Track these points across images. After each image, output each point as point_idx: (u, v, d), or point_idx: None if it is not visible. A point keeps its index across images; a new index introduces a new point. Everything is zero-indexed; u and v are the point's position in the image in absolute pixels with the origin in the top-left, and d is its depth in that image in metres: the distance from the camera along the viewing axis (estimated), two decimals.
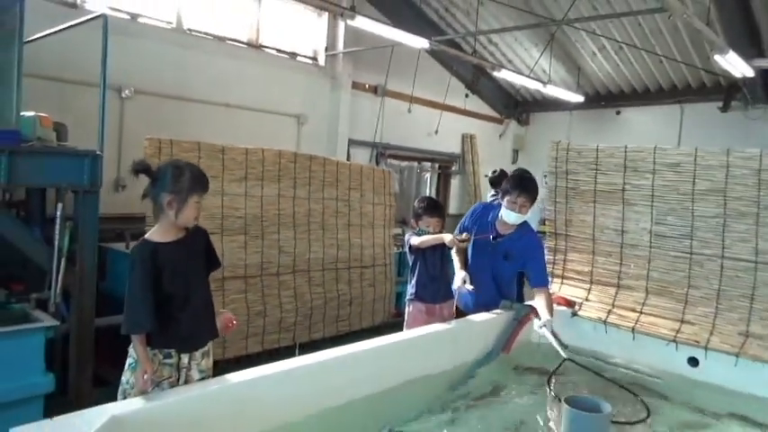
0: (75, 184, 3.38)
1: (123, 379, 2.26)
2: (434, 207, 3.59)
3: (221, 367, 2.65)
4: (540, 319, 3.23)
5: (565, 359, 2.96)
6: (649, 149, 3.64)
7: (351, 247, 5.37)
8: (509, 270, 3.57)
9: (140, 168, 2.20)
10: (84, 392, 3.55)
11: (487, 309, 3.50)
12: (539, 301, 3.32)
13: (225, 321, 2.45)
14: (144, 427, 1.91)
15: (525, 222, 3.47)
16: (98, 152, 3.46)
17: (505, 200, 3.35)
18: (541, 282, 3.44)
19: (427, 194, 8.22)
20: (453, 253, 3.59)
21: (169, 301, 2.21)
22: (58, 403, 3.16)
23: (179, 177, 2.23)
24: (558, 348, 3.02)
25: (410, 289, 3.58)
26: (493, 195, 5.10)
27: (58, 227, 3.30)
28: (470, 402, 2.86)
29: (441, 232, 3.51)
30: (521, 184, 3.32)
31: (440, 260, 3.53)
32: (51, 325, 3.27)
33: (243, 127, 6.57)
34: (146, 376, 2.13)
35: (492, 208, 3.63)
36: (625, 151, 3.73)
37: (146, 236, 2.28)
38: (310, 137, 7.60)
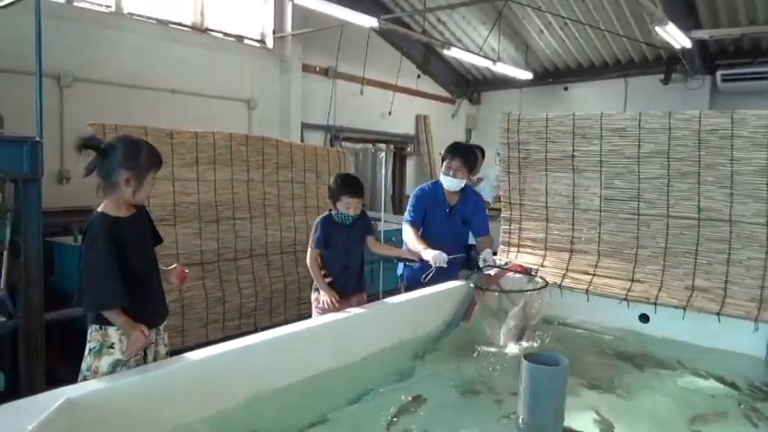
0: (14, 172, 3.24)
1: (84, 366, 2.18)
2: (356, 184, 3.21)
3: (179, 352, 2.59)
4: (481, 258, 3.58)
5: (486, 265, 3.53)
6: (596, 116, 3.74)
7: (309, 229, 5.29)
8: (467, 232, 3.82)
9: (89, 143, 2.08)
10: (38, 390, 3.42)
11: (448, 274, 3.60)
12: (484, 244, 3.72)
13: (178, 274, 2.40)
14: (102, 409, 1.86)
15: (465, 185, 3.78)
16: (37, 138, 3.31)
17: (443, 166, 3.68)
18: (486, 231, 3.84)
19: (383, 176, 8.16)
20: (411, 237, 3.61)
21: (133, 278, 2.15)
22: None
23: (137, 154, 2.15)
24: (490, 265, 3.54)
25: None
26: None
27: None
28: (432, 371, 2.91)
29: (362, 213, 3.28)
30: (453, 150, 3.68)
31: (351, 248, 3.29)
32: None
33: (191, 113, 6.40)
34: (145, 332, 2.10)
35: (433, 186, 3.80)
36: (573, 119, 3.81)
37: (100, 209, 2.16)
38: (262, 122, 7.48)
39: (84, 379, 2.13)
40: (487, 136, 10.33)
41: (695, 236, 3.36)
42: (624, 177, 3.61)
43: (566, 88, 10.39)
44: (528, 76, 9.40)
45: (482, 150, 5.50)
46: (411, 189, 9.84)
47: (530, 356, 2.31)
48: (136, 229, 2.22)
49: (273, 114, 7.72)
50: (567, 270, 3.79)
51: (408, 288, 3.75)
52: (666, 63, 8.99)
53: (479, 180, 5.32)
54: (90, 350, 2.17)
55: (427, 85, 10.52)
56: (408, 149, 10.33)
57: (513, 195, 4.11)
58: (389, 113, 9.45)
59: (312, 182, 5.40)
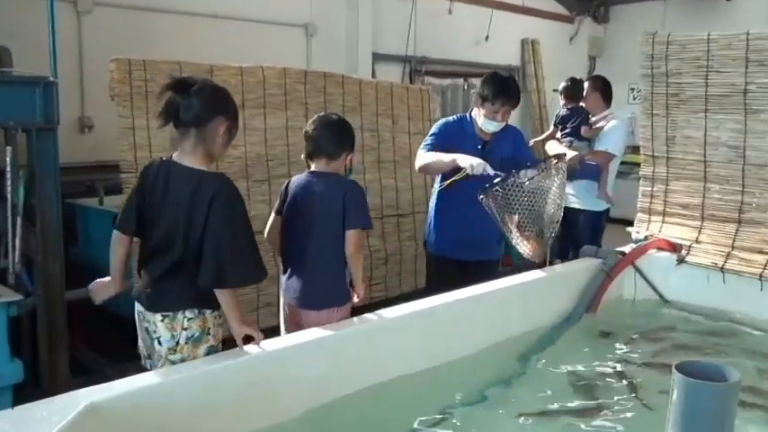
0: (25, 121, 3.34)
1: (176, 357, 2.29)
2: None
3: (228, 346, 2.63)
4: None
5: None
6: None
7: (382, 190, 5.33)
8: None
9: (187, 83, 2.24)
10: (61, 381, 3.61)
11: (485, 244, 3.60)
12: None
13: None
14: (130, 417, 1.91)
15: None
16: (51, 78, 3.41)
17: (484, 108, 3.54)
18: (535, 161, 3.60)
19: None
20: (431, 154, 3.56)
21: None
22: (31, 397, 3.22)
23: (229, 99, 2.36)
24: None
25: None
26: (568, 110, 4.96)
27: (9, 177, 3.29)
28: (546, 376, 2.88)
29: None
30: (504, 91, 3.51)
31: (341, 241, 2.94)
32: (13, 300, 3.30)
33: (236, 43, 6.45)
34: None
35: (460, 120, 3.75)
36: (747, 39, 3.59)
37: (205, 169, 2.31)
38: (323, 52, 7.46)
39: None
40: (618, 66, 9.89)
41: None
42: None
43: None
44: None
45: (604, 82, 5.19)
46: None
47: (683, 367, 2.15)
48: None
49: (338, 43, 7.69)
50: (732, 247, 3.65)
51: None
52: None
53: (597, 129, 5.00)
54: (187, 339, 2.31)
55: None
56: None
57: (656, 146, 4.00)
58: (486, 39, 9.22)
59: (387, 130, 5.39)
